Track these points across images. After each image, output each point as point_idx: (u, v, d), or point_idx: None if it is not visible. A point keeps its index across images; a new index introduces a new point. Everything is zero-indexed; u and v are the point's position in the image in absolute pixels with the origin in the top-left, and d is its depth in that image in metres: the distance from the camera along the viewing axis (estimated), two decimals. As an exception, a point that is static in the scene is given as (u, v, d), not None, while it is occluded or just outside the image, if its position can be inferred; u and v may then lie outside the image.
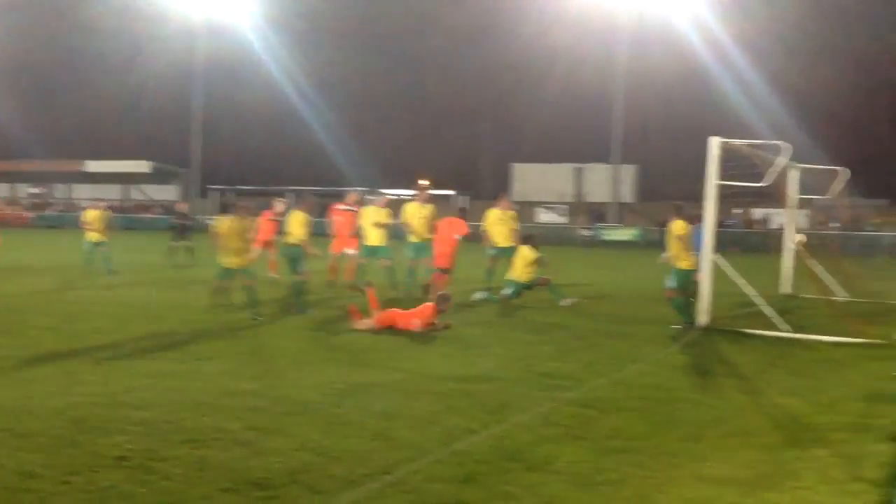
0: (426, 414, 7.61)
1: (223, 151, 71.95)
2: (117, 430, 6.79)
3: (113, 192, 65.07)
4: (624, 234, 48.90)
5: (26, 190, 70.06)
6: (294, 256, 14.42)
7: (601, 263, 30.85)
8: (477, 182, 65.00)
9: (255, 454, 6.30)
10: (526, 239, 16.55)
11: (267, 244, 18.84)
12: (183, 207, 29.64)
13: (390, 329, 12.14)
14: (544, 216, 58.12)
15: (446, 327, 12.39)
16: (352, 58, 67.79)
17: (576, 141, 62.28)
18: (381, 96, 70.73)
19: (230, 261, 13.82)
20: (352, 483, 5.75)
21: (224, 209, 14.89)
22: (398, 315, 12.48)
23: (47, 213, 62.04)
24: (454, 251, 16.60)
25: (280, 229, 14.12)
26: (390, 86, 71.05)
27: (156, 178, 65.59)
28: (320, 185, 56.47)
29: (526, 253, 15.99)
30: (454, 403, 8.02)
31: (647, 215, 52.90)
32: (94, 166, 64.87)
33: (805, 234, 19.49)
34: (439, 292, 13.05)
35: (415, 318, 12.29)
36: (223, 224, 13.89)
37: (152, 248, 30.48)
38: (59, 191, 69.46)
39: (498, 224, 17.22)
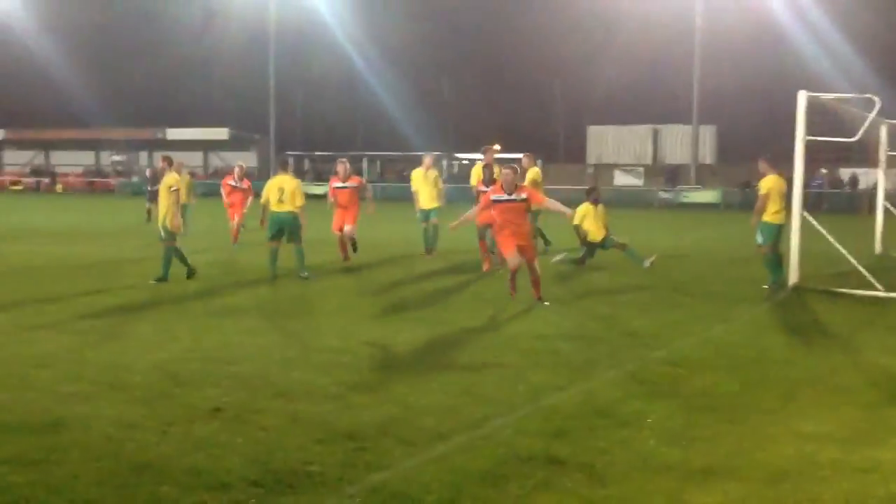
0: (511, 370, 7.58)
1: (295, 118, 72.59)
2: (211, 384, 6.94)
3: (193, 159, 66.08)
4: (704, 195, 47.64)
5: (110, 158, 71.63)
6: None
7: (682, 226, 30.28)
8: (552, 145, 64.38)
9: (344, 407, 6.36)
10: (589, 194, 16.04)
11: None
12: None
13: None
14: (621, 178, 57.16)
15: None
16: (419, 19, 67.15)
17: (652, 102, 61.04)
18: (450, 58, 70.22)
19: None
20: (442, 436, 5.75)
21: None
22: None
23: (133, 180, 63.05)
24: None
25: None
26: (460, 46, 70.48)
27: (233, 144, 66.57)
28: (391, 151, 56.14)
29: (597, 210, 15.60)
30: (539, 360, 7.98)
31: (727, 176, 51.54)
32: (173, 134, 66.09)
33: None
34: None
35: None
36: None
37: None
38: (141, 159, 70.81)
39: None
